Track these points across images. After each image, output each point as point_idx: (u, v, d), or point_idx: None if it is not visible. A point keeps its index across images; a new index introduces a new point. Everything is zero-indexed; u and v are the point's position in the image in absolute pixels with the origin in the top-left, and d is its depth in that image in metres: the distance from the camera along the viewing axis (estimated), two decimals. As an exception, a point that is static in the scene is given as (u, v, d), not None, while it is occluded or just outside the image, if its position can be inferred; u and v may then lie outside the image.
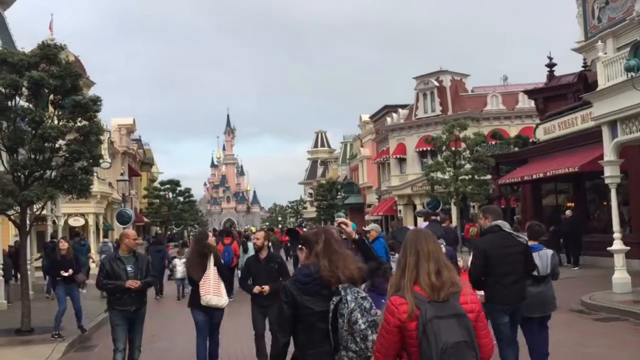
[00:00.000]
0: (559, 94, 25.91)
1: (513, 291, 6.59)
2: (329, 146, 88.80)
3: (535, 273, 6.98)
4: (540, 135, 24.83)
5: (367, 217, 57.44)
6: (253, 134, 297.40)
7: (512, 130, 40.35)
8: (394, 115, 48.05)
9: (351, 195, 59.83)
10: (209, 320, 8.03)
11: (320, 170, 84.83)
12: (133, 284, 7.69)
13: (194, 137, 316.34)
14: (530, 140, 31.45)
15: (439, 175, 27.44)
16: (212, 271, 7.89)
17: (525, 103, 42.19)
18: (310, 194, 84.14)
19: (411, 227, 10.15)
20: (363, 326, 3.58)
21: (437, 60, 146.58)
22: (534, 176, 22.67)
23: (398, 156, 46.01)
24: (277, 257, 8.56)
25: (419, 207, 43.86)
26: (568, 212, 22.07)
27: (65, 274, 11.65)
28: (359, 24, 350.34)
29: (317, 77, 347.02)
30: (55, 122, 12.49)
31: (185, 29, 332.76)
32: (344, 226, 4.13)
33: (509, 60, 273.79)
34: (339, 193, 55.02)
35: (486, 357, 3.30)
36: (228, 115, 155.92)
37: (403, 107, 48.33)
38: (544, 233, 7.80)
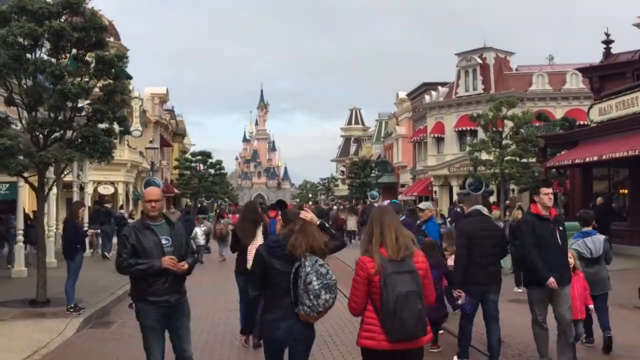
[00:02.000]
0: (617, 73, 24.22)
1: (488, 272, 7.02)
2: (363, 124, 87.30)
3: (588, 255, 7.76)
4: (595, 115, 23.15)
5: (400, 197, 56.03)
6: (285, 110, 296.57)
7: (558, 112, 38.43)
8: (433, 93, 46.36)
9: (384, 174, 58.42)
10: None
11: (353, 148, 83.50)
12: (173, 264, 5.27)
13: (227, 111, 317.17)
14: (578, 123, 29.87)
15: (484, 155, 25.87)
16: (259, 240, 8.11)
17: (573, 84, 40.29)
18: (342, 171, 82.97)
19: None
20: (317, 287, 4.34)
21: (477, 40, 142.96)
22: (587, 159, 21.10)
23: (436, 135, 44.38)
24: None
25: (456, 189, 42.37)
26: (599, 200, 20.68)
27: (93, 231, 11.21)
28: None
29: (352, 54, 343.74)
30: (78, 78, 11.50)
31: (222, 4, 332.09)
32: (304, 214, 4.84)
33: (554, 41, 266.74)
34: (373, 171, 53.64)
35: (428, 302, 4.30)
36: (262, 90, 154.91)
37: (442, 84, 46.58)
38: (593, 219, 8.43)
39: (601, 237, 8.04)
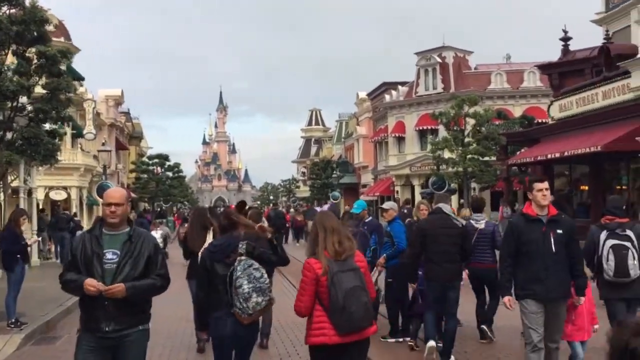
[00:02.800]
0: (576, 70, 24.28)
1: (446, 269, 7.09)
2: (323, 124, 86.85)
3: None
4: (555, 112, 23.20)
5: (362, 197, 55.78)
6: (245, 112, 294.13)
7: (517, 110, 38.66)
8: (393, 92, 46.22)
9: (346, 175, 58.15)
10: None
11: (314, 149, 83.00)
12: (92, 285, 4.14)
13: (186, 114, 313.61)
14: (536, 121, 30.09)
15: (446, 153, 25.60)
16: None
17: (531, 82, 40.64)
18: (303, 172, 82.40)
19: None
20: (246, 290, 4.68)
21: (437, 39, 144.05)
22: (549, 156, 21.04)
23: (397, 135, 44.22)
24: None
25: (418, 188, 42.29)
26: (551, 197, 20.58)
27: (35, 239, 10.38)
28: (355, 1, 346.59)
29: (312, 56, 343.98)
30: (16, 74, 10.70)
31: (177, 4, 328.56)
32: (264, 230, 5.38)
33: (510, 40, 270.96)
34: (334, 172, 53.27)
35: (371, 296, 4.59)
36: (221, 92, 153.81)
37: (403, 84, 46.49)
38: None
39: None
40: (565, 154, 20.06)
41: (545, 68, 25.65)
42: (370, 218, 9.43)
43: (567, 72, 24.62)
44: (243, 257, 4.84)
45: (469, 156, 23.78)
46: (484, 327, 8.36)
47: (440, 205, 7.44)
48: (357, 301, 4.31)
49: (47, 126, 11.52)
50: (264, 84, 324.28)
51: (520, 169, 28.04)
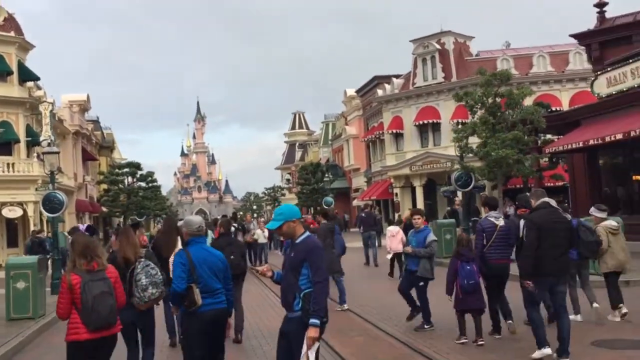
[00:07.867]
0: (620, 37, 20.39)
1: (560, 262, 7.12)
2: (307, 128, 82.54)
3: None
4: (601, 88, 19.19)
5: (355, 202, 51.65)
6: (223, 122, 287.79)
7: (528, 98, 34.68)
8: (387, 86, 42.09)
9: (336, 179, 53.94)
10: None
11: (298, 154, 78.68)
12: None
13: (162, 127, 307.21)
14: (551, 109, 26.47)
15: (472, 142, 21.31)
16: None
17: (541, 67, 36.90)
18: (288, 180, 77.99)
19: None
20: (144, 283, 6.11)
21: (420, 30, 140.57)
22: (608, 138, 16.98)
23: (394, 131, 40.04)
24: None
25: (419, 190, 38.20)
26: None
27: None
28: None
29: (290, 61, 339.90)
30: None
31: (149, 17, 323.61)
32: None
33: (506, 27, 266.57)
34: (326, 175, 48.94)
35: (120, 303, 5.60)
36: (198, 103, 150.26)
37: (397, 77, 42.44)
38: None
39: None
40: (632, 134, 16.02)
41: (582, 37, 21.61)
42: (306, 235, 5.13)
43: (610, 40, 20.73)
44: (143, 259, 6.31)
45: (504, 144, 19.19)
46: (510, 321, 8.58)
47: (546, 199, 7.35)
48: (104, 303, 5.31)
49: None
50: (240, 93, 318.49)
51: (552, 159, 24.07)
